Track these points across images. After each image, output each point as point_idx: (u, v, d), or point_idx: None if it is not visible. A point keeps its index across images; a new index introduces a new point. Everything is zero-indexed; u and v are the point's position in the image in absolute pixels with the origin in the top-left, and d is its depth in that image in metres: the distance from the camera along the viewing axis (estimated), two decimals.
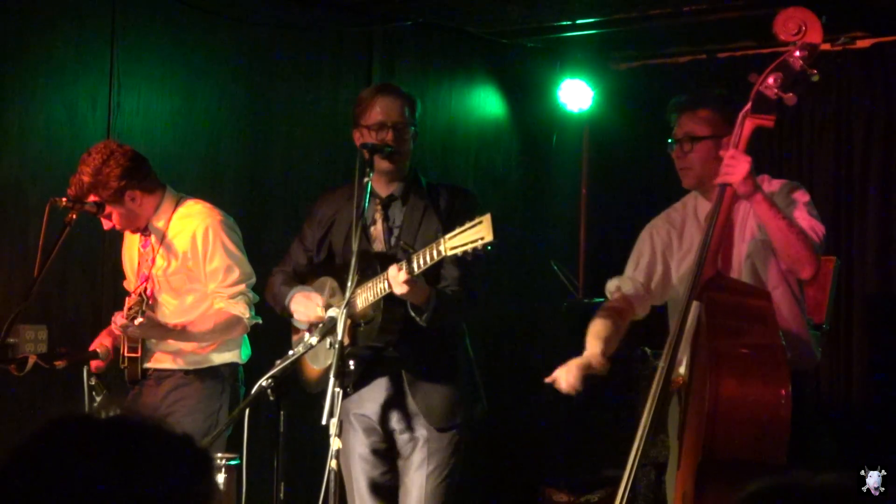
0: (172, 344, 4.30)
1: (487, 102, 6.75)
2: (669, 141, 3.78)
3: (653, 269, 3.86)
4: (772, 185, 3.68)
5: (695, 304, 3.41)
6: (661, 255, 3.86)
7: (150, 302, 4.28)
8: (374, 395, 3.94)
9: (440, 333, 3.88)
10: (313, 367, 3.98)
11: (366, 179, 3.75)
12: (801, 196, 3.63)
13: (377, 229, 3.95)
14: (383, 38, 6.21)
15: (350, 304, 3.70)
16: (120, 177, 4.19)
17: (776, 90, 3.36)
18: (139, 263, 4.38)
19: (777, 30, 3.40)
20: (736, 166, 3.37)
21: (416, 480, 3.90)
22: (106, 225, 4.30)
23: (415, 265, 3.55)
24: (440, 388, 3.91)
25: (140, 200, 4.26)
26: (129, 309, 4.23)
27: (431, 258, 3.50)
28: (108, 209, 4.23)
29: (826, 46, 6.18)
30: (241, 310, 4.26)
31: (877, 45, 6.17)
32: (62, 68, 5.10)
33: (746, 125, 3.40)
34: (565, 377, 3.58)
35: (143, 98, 5.28)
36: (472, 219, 3.41)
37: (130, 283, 4.43)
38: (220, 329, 4.27)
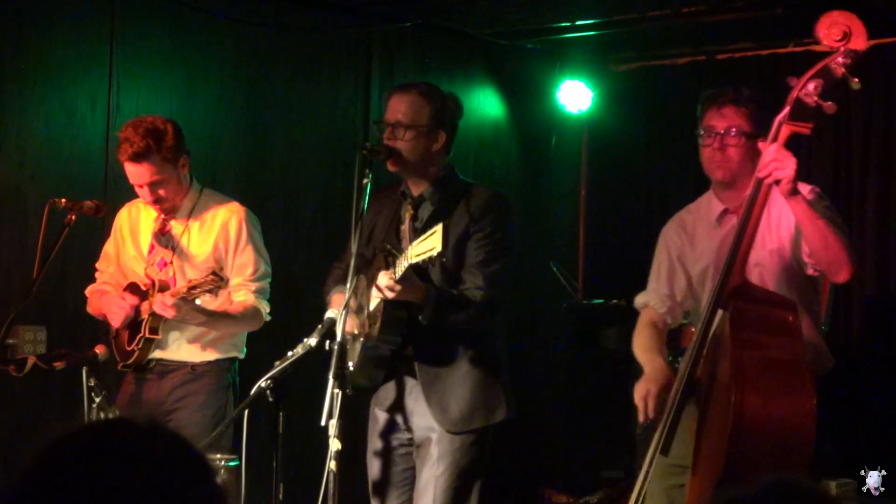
0: (193, 331, 4.28)
1: (487, 104, 6.75)
2: (701, 132, 3.66)
3: (673, 277, 3.81)
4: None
5: (719, 312, 3.31)
6: (678, 261, 3.81)
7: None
8: (394, 393, 3.95)
9: (461, 335, 3.88)
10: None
11: (365, 180, 3.75)
12: (824, 200, 3.55)
13: (405, 229, 3.95)
14: (382, 39, 6.21)
15: (368, 304, 3.77)
16: (175, 135, 4.22)
17: (816, 98, 3.22)
18: (151, 247, 4.34)
19: (820, 35, 3.26)
20: (784, 161, 3.23)
21: (429, 480, 3.89)
22: (148, 196, 4.20)
23: (397, 271, 3.60)
24: (456, 391, 3.88)
25: (187, 169, 4.28)
26: (192, 287, 4.07)
27: (403, 265, 3.57)
28: (160, 175, 4.17)
29: (825, 48, 6.20)
30: (263, 305, 4.31)
31: (876, 46, 6.16)
32: (61, 69, 5.10)
33: (783, 131, 3.25)
34: (649, 409, 3.49)
35: (142, 99, 5.28)
36: (495, 219, 3.57)
37: (136, 265, 4.34)
38: (245, 320, 4.30)
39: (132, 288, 4.32)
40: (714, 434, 3.26)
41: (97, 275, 4.49)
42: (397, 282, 3.59)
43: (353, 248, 3.69)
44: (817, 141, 6.28)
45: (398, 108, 3.90)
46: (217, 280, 4.03)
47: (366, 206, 3.75)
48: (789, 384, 3.17)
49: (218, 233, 4.30)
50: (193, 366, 4.30)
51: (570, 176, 7.18)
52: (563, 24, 6.34)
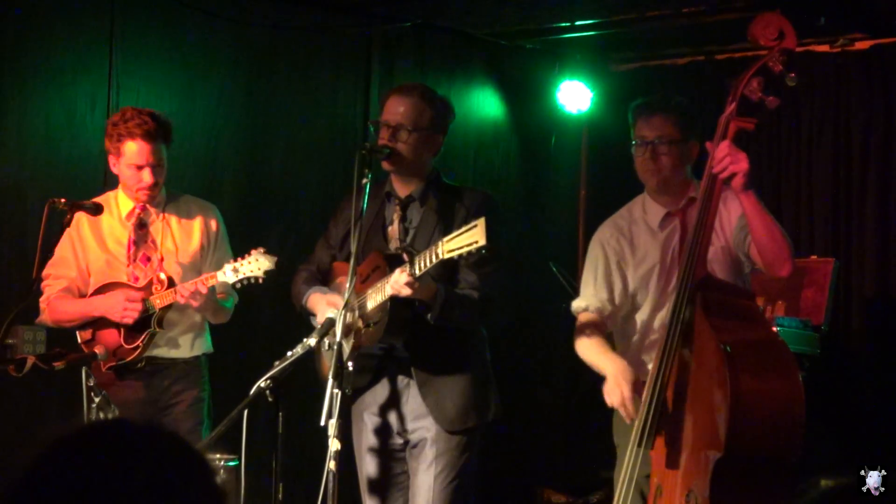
0: (186, 327, 4.33)
1: (486, 104, 6.75)
2: (634, 142, 3.82)
3: (612, 282, 3.87)
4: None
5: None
6: (617, 265, 3.88)
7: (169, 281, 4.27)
8: (386, 394, 3.95)
9: (454, 335, 3.89)
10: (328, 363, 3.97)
11: (364, 180, 3.75)
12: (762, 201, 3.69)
13: (394, 229, 3.95)
14: (382, 39, 6.21)
15: (361, 306, 3.75)
16: (171, 126, 4.31)
17: (760, 94, 3.38)
18: (129, 246, 4.33)
19: (756, 34, 3.42)
20: (737, 156, 3.36)
21: (425, 481, 3.90)
22: (149, 179, 4.23)
23: (416, 268, 3.57)
24: (452, 390, 3.89)
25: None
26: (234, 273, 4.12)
27: (431, 261, 3.54)
28: (162, 160, 4.26)
29: (825, 48, 6.20)
30: (235, 296, 4.37)
31: (876, 46, 6.17)
32: (61, 69, 5.11)
33: (731, 128, 3.40)
34: (631, 410, 3.58)
35: (142, 99, 5.28)
36: (489, 221, 3.49)
37: (112, 268, 4.32)
38: (224, 311, 4.38)
39: (115, 288, 4.30)
40: (698, 419, 3.32)
41: (48, 282, 4.35)
42: (417, 279, 3.59)
43: (353, 247, 3.68)
44: (817, 141, 6.28)
45: (399, 109, 3.90)
46: (269, 268, 4.07)
47: (365, 205, 3.75)
48: (775, 361, 3.30)
49: (201, 229, 4.37)
50: (185, 361, 4.36)
51: (570, 176, 7.18)
52: (563, 25, 6.35)
